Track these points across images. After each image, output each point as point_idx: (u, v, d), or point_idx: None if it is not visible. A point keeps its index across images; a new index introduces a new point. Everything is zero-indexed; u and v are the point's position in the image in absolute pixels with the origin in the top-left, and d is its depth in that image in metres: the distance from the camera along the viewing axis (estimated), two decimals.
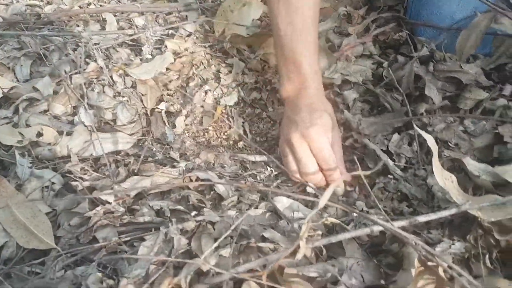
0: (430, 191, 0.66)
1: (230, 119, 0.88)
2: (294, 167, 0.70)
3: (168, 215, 0.63)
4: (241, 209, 0.67)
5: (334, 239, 0.55)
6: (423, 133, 0.54)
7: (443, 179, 0.54)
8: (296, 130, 0.66)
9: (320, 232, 0.61)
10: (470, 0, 0.84)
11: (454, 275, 0.46)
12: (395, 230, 0.49)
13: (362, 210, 0.66)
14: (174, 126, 0.84)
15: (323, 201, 0.45)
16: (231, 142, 0.85)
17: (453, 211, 0.50)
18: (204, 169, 0.72)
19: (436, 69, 0.78)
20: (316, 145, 0.66)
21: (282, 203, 0.67)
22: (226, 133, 0.86)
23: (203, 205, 0.67)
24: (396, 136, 0.72)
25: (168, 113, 0.87)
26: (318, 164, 0.67)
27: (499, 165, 0.61)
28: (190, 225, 0.59)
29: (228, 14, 0.99)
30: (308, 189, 0.69)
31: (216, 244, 0.53)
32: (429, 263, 0.49)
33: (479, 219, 0.53)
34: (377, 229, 0.51)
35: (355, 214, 0.60)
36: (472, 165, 0.61)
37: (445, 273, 0.49)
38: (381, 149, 0.72)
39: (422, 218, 0.51)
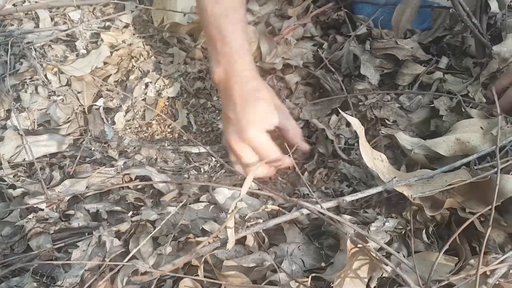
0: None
1: (174, 111, 0.86)
2: (240, 168, 0.68)
3: (105, 218, 0.62)
4: (182, 202, 0.66)
5: (271, 223, 0.54)
6: (347, 116, 0.54)
7: (372, 159, 0.54)
8: (234, 133, 0.64)
9: (261, 220, 0.61)
10: None
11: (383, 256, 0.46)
12: (323, 212, 0.49)
13: (304, 195, 0.66)
14: (113, 123, 0.81)
15: (244, 189, 0.45)
16: (176, 135, 0.84)
17: (379, 188, 0.50)
18: (143, 165, 0.70)
19: (373, 47, 0.78)
20: (256, 145, 0.63)
21: (223, 194, 0.66)
22: (170, 126, 0.84)
23: (142, 204, 0.65)
24: (334, 117, 0.72)
25: (108, 109, 0.84)
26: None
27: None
28: (125, 226, 0.58)
29: (166, 2, 0.96)
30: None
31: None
32: (360, 244, 0.49)
33: (409, 196, 0.53)
34: (306, 212, 0.51)
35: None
36: (405, 139, 0.62)
37: (379, 251, 0.50)
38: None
39: (349, 198, 0.51)
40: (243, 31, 0.66)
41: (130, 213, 0.62)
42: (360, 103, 0.72)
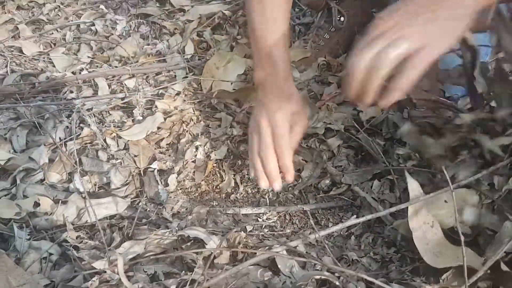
0: None
1: (222, 173, 0.90)
2: (255, 147, 0.74)
3: (162, 279, 0.65)
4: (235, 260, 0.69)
5: None
6: (408, 178, 0.56)
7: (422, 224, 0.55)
8: (265, 115, 0.72)
9: None
10: None
11: None
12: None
13: (352, 260, 0.68)
14: (167, 185, 0.86)
15: None
16: (223, 195, 0.88)
17: None
18: (195, 228, 0.74)
19: (411, 115, 0.81)
20: (278, 131, 0.71)
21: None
22: (218, 187, 0.89)
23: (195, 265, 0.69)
24: (376, 182, 0.75)
25: (161, 171, 0.89)
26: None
27: None
28: None
29: (214, 71, 1.04)
30: (262, 185, 0.73)
31: None
32: None
33: None
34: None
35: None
36: None
37: None
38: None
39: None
40: (285, 44, 0.74)
41: (184, 274, 0.65)
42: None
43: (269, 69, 0.75)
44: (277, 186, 0.73)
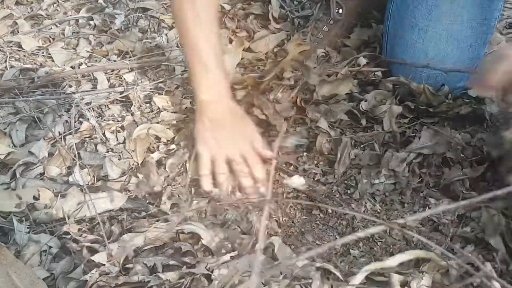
0: None
1: None
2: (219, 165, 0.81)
3: (161, 271, 0.65)
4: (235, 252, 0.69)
5: None
6: None
7: None
8: (229, 145, 0.81)
9: None
10: (441, 36, 0.88)
11: None
12: None
13: None
14: (165, 176, 0.86)
15: None
16: None
17: None
18: (193, 221, 0.74)
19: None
20: (250, 155, 0.81)
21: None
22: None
23: (196, 256, 0.69)
24: None
25: (160, 163, 0.89)
26: None
27: None
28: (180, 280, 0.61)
29: None
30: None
31: None
32: None
33: None
34: None
35: None
36: None
37: None
38: None
39: None
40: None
41: (185, 268, 0.65)
42: None
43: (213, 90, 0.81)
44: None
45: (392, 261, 0.62)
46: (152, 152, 0.89)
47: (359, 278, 0.60)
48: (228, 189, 0.80)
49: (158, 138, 0.92)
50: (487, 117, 0.86)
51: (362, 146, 0.86)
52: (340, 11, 1.09)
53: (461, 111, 0.86)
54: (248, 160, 0.80)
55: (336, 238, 0.73)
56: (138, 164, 0.88)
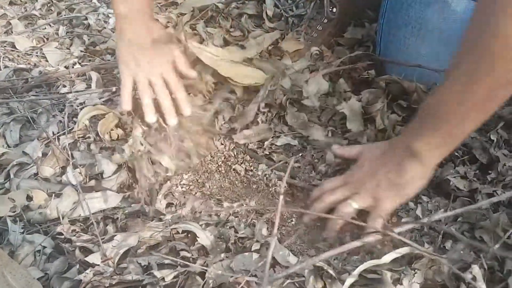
0: None
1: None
2: (143, 87, 0.84)
3: (156, 271, 0.65)
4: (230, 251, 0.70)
5: None
6: None
7: None
8: (141, 54, 0.82)
9: None
10: (434, 35, 0.89)
11: None
12: None
13: None
14: (159, 173, 0.86)
15: None
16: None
17: None
18: (189, 220, 0.75)
19: None
20: (170, 72, 0.85)
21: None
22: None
23: (190, 255, 0.69)
24: None
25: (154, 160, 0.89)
26: None
27: None
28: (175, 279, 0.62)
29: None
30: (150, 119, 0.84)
31: None
32: None
33: None
34: None
35: None
36: None
37: None
38: None
39: None
40: None
41: (180, 267, 0.65)
42: None
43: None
44: (174, 121, 0.84)
45: (385, 259, 0.63)
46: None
47: (354, 275, 0.60)
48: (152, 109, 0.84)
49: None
50: None
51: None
52: (334, 10, 1.09)
53: None
54: (169, 81, 0.84)
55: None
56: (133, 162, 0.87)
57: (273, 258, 0.67)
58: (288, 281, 0.62)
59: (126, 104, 0.84)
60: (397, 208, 0.72)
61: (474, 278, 0.59)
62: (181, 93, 0.85)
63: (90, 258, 0.67)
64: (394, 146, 0.70)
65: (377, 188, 0.68)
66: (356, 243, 0.64)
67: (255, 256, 0.68)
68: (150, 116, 0.84)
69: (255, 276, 0.63)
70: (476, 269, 0.60)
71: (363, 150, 0.75)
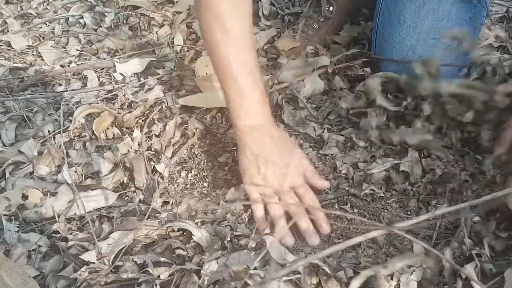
0: None
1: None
2: (276, 211, 0.72)
3: (151, 268, 0.65)
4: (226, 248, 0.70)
5: None
6: None
7: None
8: (277, 177, 0.72)
9: None
10: (429, 33, 0.89)
11: None
12: None
13: None
14: (155, 172, 0.86)
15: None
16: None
17: None
18: (184, 218, 0.75)
19: None
20: (303, 189, 0.73)
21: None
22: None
23: (186, 253, 0.69)
24: None
25: (150, 159, 0.89)
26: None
27: None
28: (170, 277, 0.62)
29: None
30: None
31: None
32: None
33: None
34: None
35: None
36: None
37: None
38: None
39: None
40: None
41: (175, 266, 0.65)
42: None
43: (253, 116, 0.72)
44: (317, 241, 0.70)
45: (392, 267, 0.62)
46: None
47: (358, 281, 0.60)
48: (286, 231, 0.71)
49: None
50: None
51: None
52: (331, 8, 1.09)
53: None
54: (303, 196, 0.72)
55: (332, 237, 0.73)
56: (129, 159, 0.87)
57: (270, 255, 0.67)
58: (284, 278, 0.62)
59: (263, 225, 0.72)
60: None
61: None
62: (319, 212, 0.72)
63: (86, 256, 0.67)
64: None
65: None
66: (358, 239, 0.64)
67: (251, 253, 0.68)
68: (290, 240, 0.71)
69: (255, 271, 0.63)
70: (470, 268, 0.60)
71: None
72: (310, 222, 0.71)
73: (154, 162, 0.87)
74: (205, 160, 0.90)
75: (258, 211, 0.73)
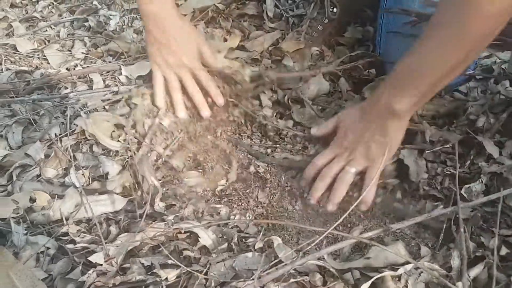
0: None
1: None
2: (175, 85, 0.90)
3: (159, 270, 0.66)
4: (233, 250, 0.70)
5: None
6: None
7: None
8: (171, 55, 0.87)
9: None
10: None
11: None
12: None
13: None
14: (160, 174, 0.86)
15: None
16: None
17: None
18: (191, 221, 0.75)
19: None
20: (196, 69, 0.90)
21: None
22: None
23: (193, 255, 0.69)
24: None
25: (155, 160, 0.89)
26: None
27: None
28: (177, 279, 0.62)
29: None
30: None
31: None
32: None
33: None
34: None
35: None
36: None
37: None
38: None
39: None
40: None
41: (184, 267, 0.66)
42: None
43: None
44: (207, 113, 0.89)
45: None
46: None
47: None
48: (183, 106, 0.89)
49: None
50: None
51: None
52: (335, 10, 1.10)
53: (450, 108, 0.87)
54: (198, 75, 0.88)
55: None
56: (136, 162, 0.88)
57: (276, 256, 0.67)
58: (292, 280, 0.62)
59: (160, 102, 0.90)
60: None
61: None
62: (212, 86, 0.89)
63: (93, 258, 0.67)
64: (374, 107, 0.73)
65: (368, 150, 0.74)
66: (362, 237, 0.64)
67: (257, 255, 0.68)
68: (181, 112, 0.90)
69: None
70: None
71: (340, 119, 0.79)
72: (202, 96, 0.89)
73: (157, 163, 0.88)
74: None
75: (158, 90, 0.90)
